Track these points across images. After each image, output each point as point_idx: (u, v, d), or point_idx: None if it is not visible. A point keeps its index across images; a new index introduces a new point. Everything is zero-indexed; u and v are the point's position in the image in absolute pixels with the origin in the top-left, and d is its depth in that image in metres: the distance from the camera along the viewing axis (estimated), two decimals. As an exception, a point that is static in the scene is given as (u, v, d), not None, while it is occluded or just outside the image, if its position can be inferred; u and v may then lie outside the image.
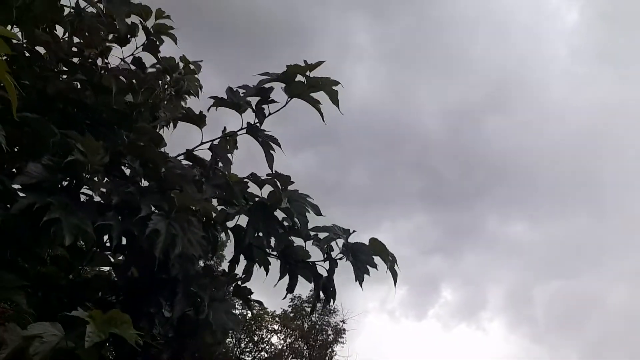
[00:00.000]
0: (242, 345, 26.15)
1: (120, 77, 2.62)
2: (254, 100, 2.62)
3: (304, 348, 28.04)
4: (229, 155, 2.66)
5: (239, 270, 2.58)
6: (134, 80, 2.67)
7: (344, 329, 27.88)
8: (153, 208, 2.19)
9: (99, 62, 2.61)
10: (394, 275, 2.45)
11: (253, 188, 2.59)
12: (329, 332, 28.24)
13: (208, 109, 2.66)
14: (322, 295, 2.49)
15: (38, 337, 1.69)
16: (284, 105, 2.60)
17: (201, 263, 2.49)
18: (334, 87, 2.55)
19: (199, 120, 2.68)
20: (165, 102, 2.80)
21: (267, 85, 2.59)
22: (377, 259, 2.45)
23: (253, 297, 2.79)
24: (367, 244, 2.45)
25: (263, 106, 2.61)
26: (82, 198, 2.28)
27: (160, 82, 2.79)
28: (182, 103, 2.92)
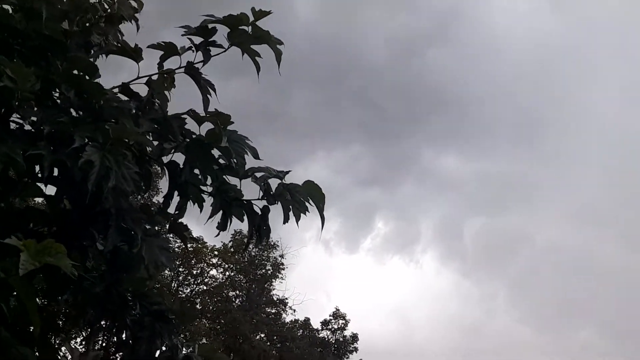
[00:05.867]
0: (181, 278, 26.37)
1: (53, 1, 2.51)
2: (196, 40, 2.57)
3: (244, 282, 28.54)
4: (166, 92, 2.61)
5: (174, 205, 2.58)
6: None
7: (283, 264, 28.54)
8: (86, 140, 2.15)
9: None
10: (322, 220, 2.52)
11: (191, 125, 2.57)
12: (268, 267, 28.80)
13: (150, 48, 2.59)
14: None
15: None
16: (225, 50, 2.57)
17: (138, 198, 2.47)
18: (278, 46, 2.57)
19: (135, 54, 2.61)
20: (99, 31, 2.69)
21: (210, 26, 2.54)
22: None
23: (194, 232, 2.82)
24: (302, 184, 2.48)
25: (209, 48, 2.57)
26: (13, 126, 2.22)
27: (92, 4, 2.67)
28: (116, 32, 2.80)
